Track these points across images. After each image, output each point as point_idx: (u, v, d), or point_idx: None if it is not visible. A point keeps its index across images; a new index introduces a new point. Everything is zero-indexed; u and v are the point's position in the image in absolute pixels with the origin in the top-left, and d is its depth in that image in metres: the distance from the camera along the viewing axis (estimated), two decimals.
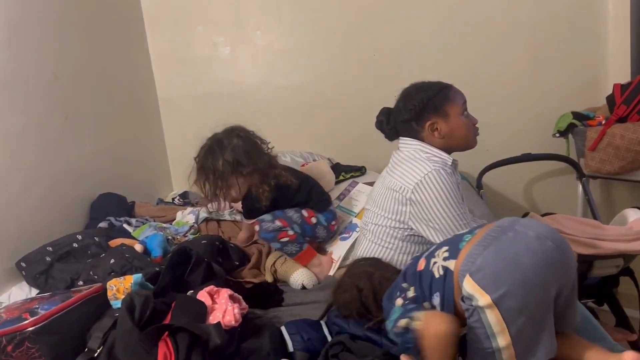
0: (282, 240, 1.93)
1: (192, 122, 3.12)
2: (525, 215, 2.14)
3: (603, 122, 2.51)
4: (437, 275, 1.21)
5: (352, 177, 2.50)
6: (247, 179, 2.00)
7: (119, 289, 1.54)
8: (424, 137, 1.67)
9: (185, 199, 2.84)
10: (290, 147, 3.05)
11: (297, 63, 3.10)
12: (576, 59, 2.85)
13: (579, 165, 2.58)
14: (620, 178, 2.47)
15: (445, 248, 1.25)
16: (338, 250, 2.01)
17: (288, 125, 3.14)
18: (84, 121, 2.42)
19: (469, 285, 1.11)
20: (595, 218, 2.44)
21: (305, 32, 3.07)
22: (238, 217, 2.34)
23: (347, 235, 2.06)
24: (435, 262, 1.24)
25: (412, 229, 1.63)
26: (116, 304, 1.48)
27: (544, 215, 2.17)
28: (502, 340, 1.08)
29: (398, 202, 1.63)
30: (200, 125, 2.96)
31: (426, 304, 1.22)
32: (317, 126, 3.14)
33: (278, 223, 1.93)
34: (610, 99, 2.55)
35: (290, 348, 1.40)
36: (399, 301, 1.26)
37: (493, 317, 1.08)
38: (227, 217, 2.31)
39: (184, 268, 1.64)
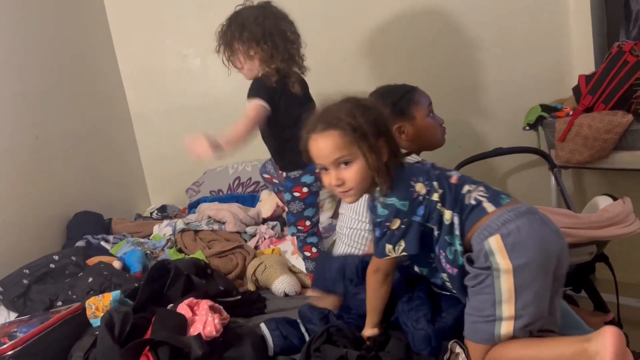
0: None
1: (166, 135, 3.13)
2: None
3: (570, 113, 2.56)
4: (467, 202, 1.23)
5: None
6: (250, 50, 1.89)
7: (98, 307, 1.54)
8: None
9: (164, 213, 2.83)
10: (264, 155, 3.06)
11: None
12: (541, 52, 2.90)
13: (550, 157, 2.63)
14: (590, 167, 2.51)
15: (482, 189, 1.27)
16: None
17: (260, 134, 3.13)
18: (55, 140, 2.41)
19: (496, 244, 1.14)
20: (568, 207, 2.48)
21: None
22: (215, 227, 2.33)
23: (327, 235, 2.06)
24: (469, 190, 1.25)
25: None
26: (96, 322, 1.48)
27: None
28: (507, 310, 1.13)
29: (369, 205, 1.64)
30: (175, 138, 2.95)
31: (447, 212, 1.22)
32: None
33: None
34: (577, 90, 2.59)
35: (270, 344, 1.42)
36: (421, 187, 1.24)
37: (506, 284, 1.13)
38: (205, 227, 2.30)
39: (163, 282, 1.64)
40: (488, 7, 2.89)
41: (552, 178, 2.68)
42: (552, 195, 2.74)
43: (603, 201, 2.04)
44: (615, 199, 2.10)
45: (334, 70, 3.00)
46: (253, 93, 1.80)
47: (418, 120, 1.67)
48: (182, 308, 1.45)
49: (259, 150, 3.08)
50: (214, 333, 1.35)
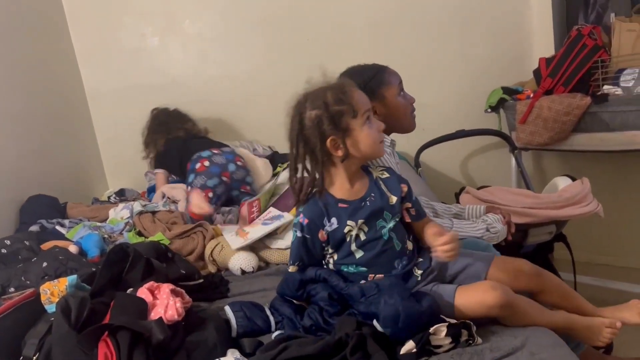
0: None
1: (124, 116, 3.04)
2: (462, 190, 2.19)
3: (531, 95, 2.59)
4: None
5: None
6: None
7: (53, 292, 1.47)
8: None
9: (122, 197, 2.75)
10: (230, 137, 3.01)
11: (229, 51, 3.04)
12: (503, 35, 2.94)
13: (511, 139, 2.66)
14: (550, 148, 2.56)
15: None
16: (256, 231, 1.91)
17: (225, 116, 3.09)
18: (7, 122, 2.29)
19: None
20: (528, 188, 2.53)
21: (235, 19, 3.01)
22: (172, 207, 2.28)
23: (269, 222, 1.96)
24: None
25: None
26: (51, 308, 1.41)
27: (479, 188, 2.24)
28: None
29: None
30: (132, 118, 2.89)
31: None
32: (256, 115, 3.08)
33: None
34: (537, 73, 2.63)
35: (234, 325, 1.39)
36: None
37: None
38: (161, 208, 2.24)
39: (122, 266, 1.58)
40: None
41: (513, 160, 2.73)
42: (513, 176, 2.79)
43: (562, 182, 2.09)
44: (574, 179, 2.15)
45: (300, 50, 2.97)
46: None
47: (388, 100, 1.66)
48: (143, 292, 1.40)
49: (225, 130, 3.07)
50: (176, 317, 1.31)
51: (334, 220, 1.36)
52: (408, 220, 1.43)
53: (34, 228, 2.12)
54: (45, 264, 1.64)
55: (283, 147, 2.90)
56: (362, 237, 1.36)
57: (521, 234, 2.01)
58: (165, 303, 1.35)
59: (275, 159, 2.70)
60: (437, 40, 2.96)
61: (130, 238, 2.02)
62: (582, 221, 2.18)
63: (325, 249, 1.40)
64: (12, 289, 1.59)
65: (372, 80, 1.65)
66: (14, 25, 2.48)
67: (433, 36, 2.95)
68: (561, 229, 2.08)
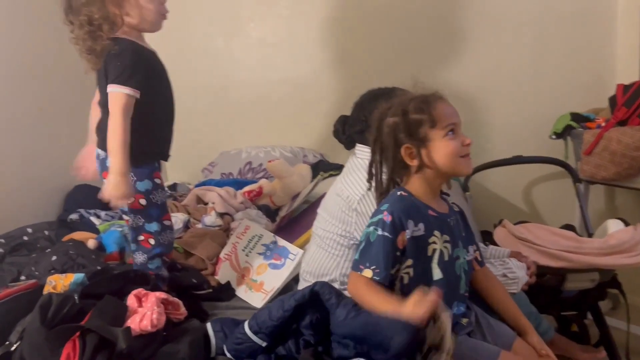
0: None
1: (180, 113, 3.10)
2: (500, 222, 2.03)
3: (602, 124, 2.35)
4: None
5: (330, 175, 2.42)
6: None
7: (57, 285, 1.53)
8: None
9: (173, 191, 2.81)
10: (282, 142, 3.01)
11: (289, 56, 3.03)
12: (582, 56, 2.68)
13: (574, 169, 2.43)
14: (618, 185, 2.31)
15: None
16: (272, 280, 1.79)
17: (280, 120, 3.09)
18: (63, 112, 2.41)
19: None
20: (585, 225, 2.29)
21: (299, 25, 3.00)
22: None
23: (278, 262, 1.83)
24: None
25: (357, 239, 1.54)
26: None
27: (517, 223, 2.05)
28: None
29: (344, 211, 1.54)
30: (188, 117, 2.95)
31: None
32: (310, 121, 3.05)
33: None
34: (612, 100, 2.39)
35: (213, 347, 1.36)
36: None
37: None
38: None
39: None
40: (529, 4, 2.69)
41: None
42: (576, 210, 2.54)
43: (613, 226, 1.88)
44: (627, 224, 1.92)
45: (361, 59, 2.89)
46: None
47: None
48: (131, 298, 1.42)
49: (277, 134, 3.07)
50: (149, 328, 1.30)
51: (421, 225, 1.26)
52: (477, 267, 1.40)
53: (74, 216, 2.22)
54: (54, 258, 1.71)
55: (334, 156, 2.85)
56: (446, 256, 1.27)
57: (558, 278, 1.82)
58: (144, 312, 1.36)
59: (319, 166, 2.64)
60: (509, 55, 2.76)
61: None
62: None
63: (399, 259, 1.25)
64: (23, 277, 1.66)
65: None
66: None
67: (504, 53, 2.76)
68: (607, 277, 1.85)
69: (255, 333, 1.32)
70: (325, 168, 2.57)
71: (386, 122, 1.31)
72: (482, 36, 2.77)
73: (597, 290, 1.95)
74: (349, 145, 1.67)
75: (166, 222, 1.63)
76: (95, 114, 1.69)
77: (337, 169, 2.49)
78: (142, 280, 1.54)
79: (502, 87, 2.79)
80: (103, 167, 1.58)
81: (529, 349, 1.33)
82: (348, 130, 1.65)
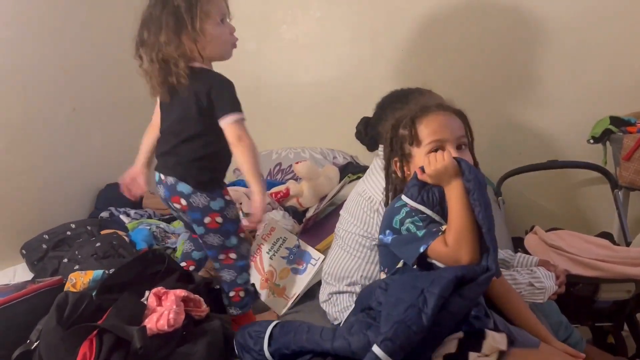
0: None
1: None
2: (531, 229, 1.96)
3: None
4: None
5: (358, 177, 2.39)
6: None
7: (77, 283, 1.55)
8: None
9: None
10: (312, 143, 2.99)
11: (321, 58, 3.01)
12: (622, 58, 2.57)
13: (612, 175, 2.34)
14: None
15: None
16: (293, 286, 1.79)
17: (311, 121, 3.07)
18: (92, 112, 2.46)
19: None
20: (624, 233, 2.20)
21: (331, 27, 2.97)
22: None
23: (300, 267, 1.82)
24: None
25: (377, 240, 1.52)
26: None
27: (548, 230, 1.98)
28: None
29: (366, 211, 1.52)
30: None
31: None
32: (342, 122, 3.01)
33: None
34: None
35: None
36: None
37: None
38: None
39: (153, 269, 1.59)
40: (570, 12, 2.59)
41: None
42: (615, 217, 2.44)
43: None
44: None
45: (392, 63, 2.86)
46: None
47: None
48: (150, 297, 1.42)
49: (308, 135, 3.05)
50: (166, 327, 1.30)
51: None
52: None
53: (104, 214, 2.27)
54: (98, 244, 1.76)
55: (366, 158, 2.82)
56: None
57: (591, 288, 1.75)
58: (162, 311, 1.36)
59: (347, 168, 2.62)
60: (545, 57, 2.68)
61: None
62: None
63: None
64: (65, 260, 1.71)
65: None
66: (105, 25, 2.58)
67: (546, 54, 2.67)
68: None
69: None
70: (353, 170, 2.54)
71: (384, 134, 1.38)
72: (518, 36, 2.69)
73: (634, 301, 1.87)
74: (372, 147, 1.65)
75: (242, 235, 1.65)
76: (151, 138, 1.74)
77: (365, 171, 2.45)
78: (160, 259, 1.57)
79: (537, 90, 2.71)
80: (173, 192, 1.58)
81: (557, 350, 1.28)
82: (370, 132, 1.62)
